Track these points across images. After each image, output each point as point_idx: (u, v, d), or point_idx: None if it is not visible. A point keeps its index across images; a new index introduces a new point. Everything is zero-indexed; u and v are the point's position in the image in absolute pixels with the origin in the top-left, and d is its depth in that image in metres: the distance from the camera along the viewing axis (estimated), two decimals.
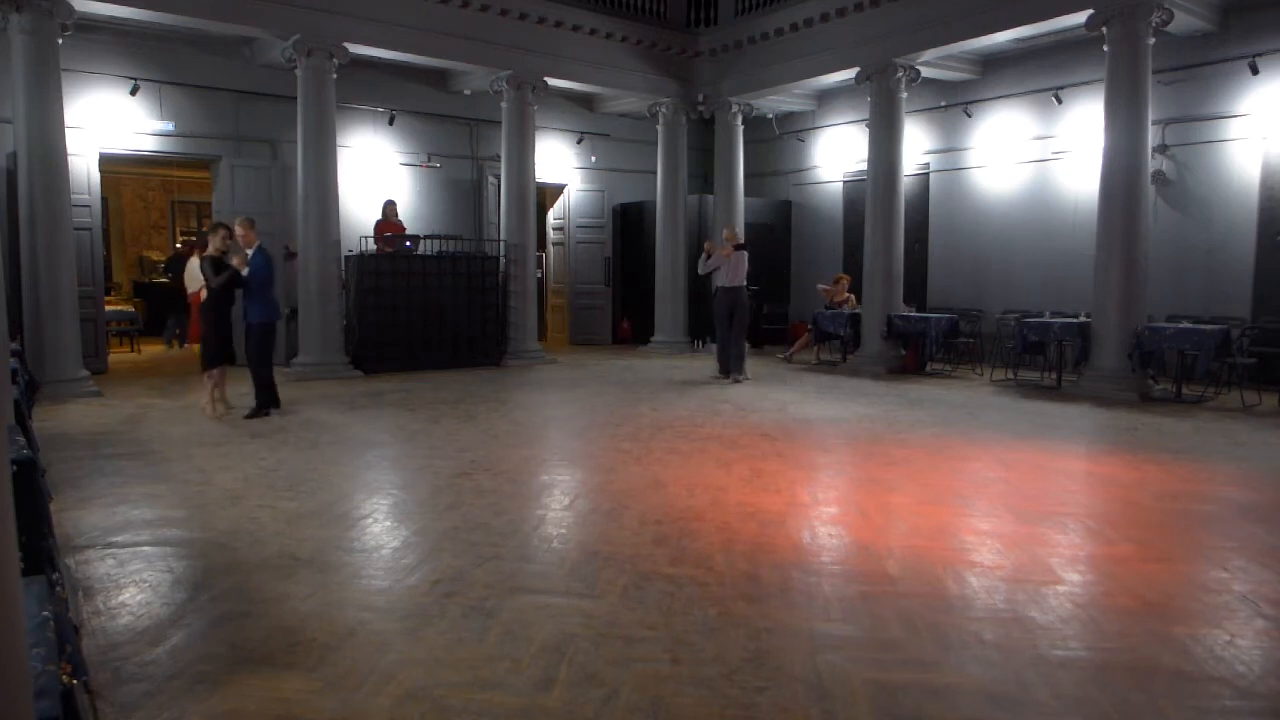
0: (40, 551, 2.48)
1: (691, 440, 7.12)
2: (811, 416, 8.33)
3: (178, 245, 17.12)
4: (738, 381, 10.59)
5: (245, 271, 7.93)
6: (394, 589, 3.81)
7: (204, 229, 18.07)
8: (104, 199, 12.92)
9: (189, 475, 5.89)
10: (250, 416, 7.95)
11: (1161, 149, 10.51)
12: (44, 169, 9.05)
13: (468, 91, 13.39)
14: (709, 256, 11.03)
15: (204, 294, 8.01)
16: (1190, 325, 9.16)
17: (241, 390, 8.42)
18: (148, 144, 11.38)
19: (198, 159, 12.17)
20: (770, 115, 15.18)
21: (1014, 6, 10.13)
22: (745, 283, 10.92)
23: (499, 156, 12.90)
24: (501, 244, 12.73)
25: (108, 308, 12.35)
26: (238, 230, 8.11)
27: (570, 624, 3.42)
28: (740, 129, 14.25)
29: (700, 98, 14.18)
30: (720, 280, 10.97)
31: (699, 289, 14.73)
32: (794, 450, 6.82)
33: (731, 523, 4.81)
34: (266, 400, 8.12)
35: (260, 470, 6.03)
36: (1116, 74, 9.37)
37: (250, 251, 8.06)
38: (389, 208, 12.46)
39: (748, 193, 14.60)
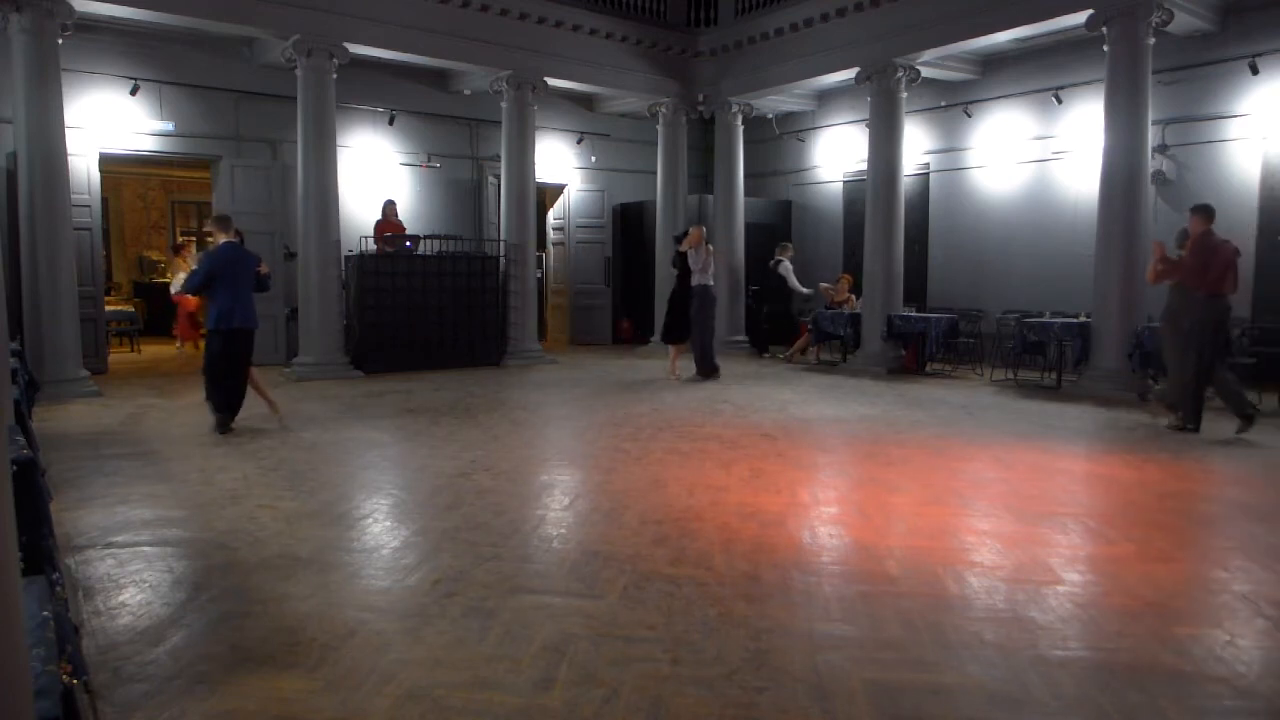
0: (40, 551, 2.47)
1: (692, 440, 7.12)
2: (811, 416, 8.33)
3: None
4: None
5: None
6: (394, 589, 3.81)
7: (203, 228, 18.11)
8: (104, 199, 12.92)
9: (189, 475, 5.89)
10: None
11: (1161, 149, 10.51)
12: (44, 169, 9.05)
13: (468, 91, 13.39)
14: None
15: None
16: None
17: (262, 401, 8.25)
18: (148, 144, 11.38)
19: (198, 159, 12.16)
20: (770, 115, 15.17)
21: (1014, 6, 10.13)
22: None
23: (499, 156, 12.90)
24: (501, 244, 12.72)
25: (108, 308, 12.35)
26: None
27: (570, 624, 3.42)
28: (740, 129, 14.24)
29: (700, 98, 14.17)
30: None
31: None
32: (794, 450, 6.81)
33: (731, 523, 4.81)
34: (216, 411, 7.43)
35: (260, 470, 6.03)
36: (1116, 74, 9.37)
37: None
38: (389, 208, 12.46)
39: (748, 193, 14.59)
